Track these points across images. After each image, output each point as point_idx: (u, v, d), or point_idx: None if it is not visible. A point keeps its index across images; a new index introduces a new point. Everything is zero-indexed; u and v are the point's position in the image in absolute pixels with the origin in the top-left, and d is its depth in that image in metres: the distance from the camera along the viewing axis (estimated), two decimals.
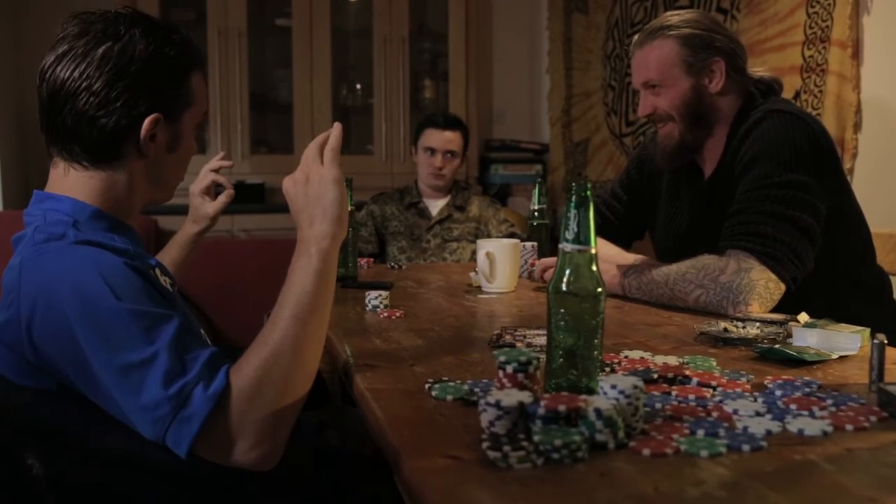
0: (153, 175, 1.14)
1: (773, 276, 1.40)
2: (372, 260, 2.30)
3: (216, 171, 1.64)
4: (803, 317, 1.25)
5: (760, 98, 1.64)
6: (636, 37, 1.70)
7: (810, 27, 2.41)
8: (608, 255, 1.67)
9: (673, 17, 1.65)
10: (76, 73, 1.04)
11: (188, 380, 0.93)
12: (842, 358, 1.10)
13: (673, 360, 1.05)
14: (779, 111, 1.55)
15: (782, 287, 1.41)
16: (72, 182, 1.10)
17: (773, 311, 1.40)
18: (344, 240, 1.97)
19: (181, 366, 0.94)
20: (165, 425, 0.92)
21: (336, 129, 1.09)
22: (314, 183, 1.05)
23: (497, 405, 0.72)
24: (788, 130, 1.50)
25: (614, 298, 1.58)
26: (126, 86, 1.05)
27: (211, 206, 1.59)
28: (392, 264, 2.33)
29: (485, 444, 0.71)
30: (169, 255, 1.57)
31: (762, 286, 1.39)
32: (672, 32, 1.61)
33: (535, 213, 2.09)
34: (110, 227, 1.09)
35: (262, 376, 0.95)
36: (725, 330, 1.22)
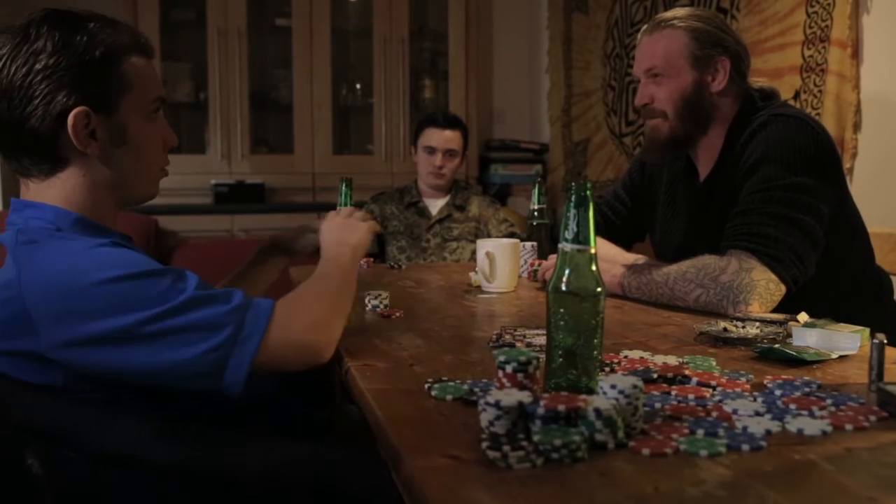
0: (113, 174, 1.11)
1: (774, 277, 1.40)
2: (372, 260, 2.30)
3: None
4: (803, 317, 1.25)
5: (760, 102, 1.64)
6: (645, 25, 1.69)
7: (810, 27, 2.41)
8: (608, 255, 1.67)
9: (684, 11, 1.65)
10: None
11: (236, 304, 1.02)
12: (841, 358, 1.10)
13: (672, 360, 1.05)
14: (784, 115, 1.55)
15: (783, 288, 1.41)
16: (34, 195, 1.10)
17: (773, 311, 1.40)
18: None
19: (222, 297, 1.03)
20: (228, 349, 1.00)
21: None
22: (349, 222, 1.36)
23: (497, 405, 0.72)
24: (794, 133, 1.50)
25: (614, 298, 1.58)
26: (40, 81, 1.02)
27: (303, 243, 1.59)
28: (392, 264, 2.33)
29: (484, 444, 0.71)
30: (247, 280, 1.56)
31: (763, 286, 1.39)
32: (683, 24, 1.61)
33: (535, 213, 2.09)
34: (93, 233, 1.09)
35: (305, 288, 1.14)
36: (725, 330, 1.22)
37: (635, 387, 0.77)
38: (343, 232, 1.33)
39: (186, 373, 1.00)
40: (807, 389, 0.92)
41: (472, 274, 1.87)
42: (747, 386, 0.94)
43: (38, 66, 1.02)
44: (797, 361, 1.06)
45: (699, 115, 1.62)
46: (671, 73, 1.61)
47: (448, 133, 2.89)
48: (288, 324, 1.05)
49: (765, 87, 1.69)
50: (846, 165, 2.25)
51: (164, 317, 0.98)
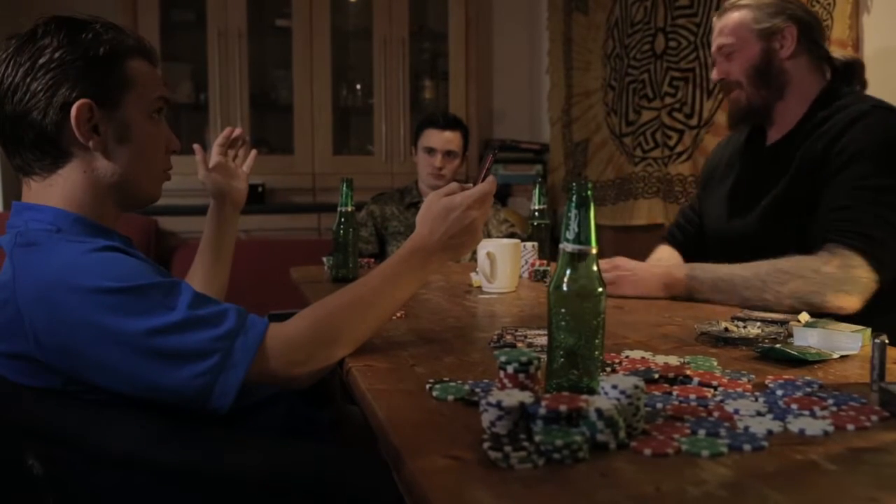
0: (115, 171, 1.12)
1: (875, 278, 1.43)
2: (373, 260, 2.30)
3: (226, 146, 1.62)
4: (804, 316, 1.25)
5: (845, 82, 1.70)
6: (720, 10, 1.79)
7: None
8: (662, 260, 1.78)
9: None
10: None
11: (227, 330, 1.00)
12: (843, 357, 1.09)
13: (674, 360, 1.05)
14: (889, 108, 1.59)
15: (874, 290, 1.44)
16: (35, 195, 1.10)
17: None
18: (344, 240, 1.98)
19: (214, 319, 1.00)
20: (215, 375, 0.98)
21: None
22: (458, 210, 1.17)
23: (498, 405, 0.72)
24: None
25: (614, 299, 1.58)
26: (44, 74, 1.04)
27: (242, 182, 1.61)
28: None
29: (486, 445, 0.71)
30: (210, 247, 1.59)
31: (864, 284, 1.42)
32: (746, 2, 1.71)
33: (536, 213, 2.09)
34: (93, 233, 1.09)
35: (315, 312, 1.09)
36: (726, 330, 1.22)
37: (636, 387, 0.77)
38: (443, 225, 1.17)
39: (171, 395, 0.99)
40: (808, 389, 0.92)
41: (472, 274, 1.87)
42: (749, 386, 0.94)
43: (41, 61, 1.04)
44: (798, 361, 1.06)
45: (770, 80, 1.69)
46: (739, 46, 1.70)
47: (448, 134, 2.89)
48: (276, 356, 1.03)
49: (847, 58, 1.74)
50: None
51: (152, 335, 0.97)
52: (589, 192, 0.86)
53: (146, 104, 1.13)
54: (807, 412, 0.83)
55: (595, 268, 0.87)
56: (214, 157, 1.60)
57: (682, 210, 2.03)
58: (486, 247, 1.74)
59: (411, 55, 4.07)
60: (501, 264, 1.74)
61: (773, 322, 1.26)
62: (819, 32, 1.72)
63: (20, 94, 1.04)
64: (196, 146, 1.62)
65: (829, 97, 1.66)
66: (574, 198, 0.86)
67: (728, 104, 1.79)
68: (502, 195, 4.04)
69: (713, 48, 1.78)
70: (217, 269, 1.57)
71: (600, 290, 0.87)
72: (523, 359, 0.79)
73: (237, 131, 1.63)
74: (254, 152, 1.65)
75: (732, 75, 1.72)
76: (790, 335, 1.19)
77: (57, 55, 1.05)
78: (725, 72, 1.74)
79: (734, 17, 1.71)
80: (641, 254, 1.80)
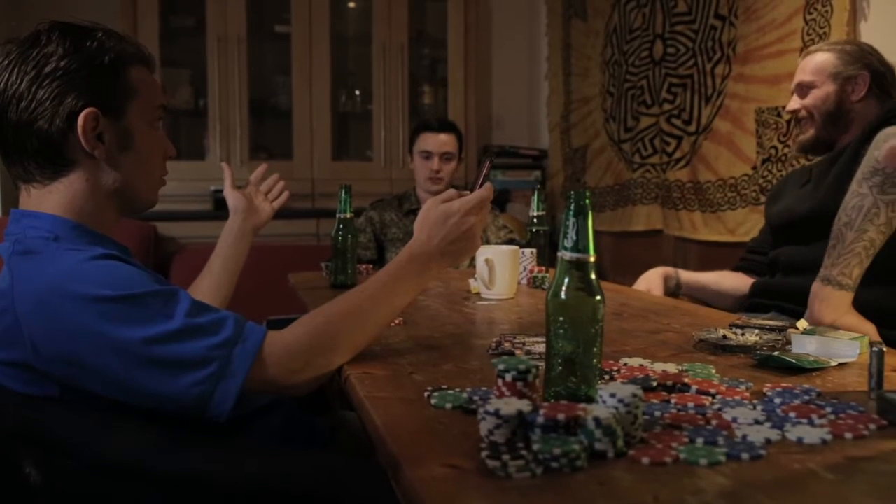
0: (117, 179, 1.12)
1: None
2: (371, 266, 2.30)
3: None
4: (802, 324, 1.25)
5: None
6: (806, 50, 2.01)
7: (808, 34, 2.41)
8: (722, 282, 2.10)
9: (836, 40, 1.93)
10: (1, 87, 1.05)
11: (225, 338, 1.00)
12: (841, 365, 1.09)
13: (672, 368, 1.05)
14: None
15: None
16: (35, 202, 1.10)
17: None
18: (342, 246, 1.99)
19: (211, 328, 1.00)
20: (213, 383, 0.98)
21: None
22: (456, 216, 1.17)
23: (496, 414, 0.72)
24: None
25: (612, 305, 1.57)
26: (50, 83, 1.04)
27: (269, 207, 1.67)
28: None
29: (484, 453, 0.71)
30: (222, 259, 1.59)
31: None
32: (828, 48, 1.91)
33: (535, 220, 2.09)
34: (92, 241, 1.09)
35: (314, 319, 1.09)
36: (724, 337, 1.22)
37: (635, 395, 0.77)
38: (442, 231, 1.16)
39: (169, 403, 0.99)
40: (806, 397, 0.92)
41: (471, 281, 1.87)
42: (747, 394, 0.94)
43: (47, 69, 1.05)
44: (796, 369, 1.06)
45: (839, 119, 1.88)
46: (817, 85, 1.89)
47: (443, 136, 2.90)
48: (274, 364, 1.03)
49: None
50: None
51: (150, 344, 0.97)
52: (587, 201, 0.86)
53: (148, 112, 1.14)
54: (805, 420, 0.83)
55: (593, 276, 0.87)
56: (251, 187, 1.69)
57: (752, 239, 2.20)
58: (484, 253, 1.74)
59: (410, 61, 4.08)
60: (500, 271, 1.74)
61: (771, 329, 1.26)
62: (891, 82, 1.88)
63: (25, 102, 1.04)
64: (224, 164, 1.72)
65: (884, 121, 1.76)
66: (572, 206, 0.86)
67: (798, 133, 1.99)
68: (501, 201, 4.04)
69: (794, 83, 1.97)
70: (225, 280, 1.58)
71: (598, 298, 0.87)
72: (521, 367, 0.79)
73: (274, 176, 1.74)
74: (286, 194, 1.73)
75: (806, 109, 1.92)
76: (788, 343, 1.20)
77: (63, 63, 1.05)
78: (800, 104, 1.93)
79: (818, 58, 1.90)
80: (640, 259, 1.80)
